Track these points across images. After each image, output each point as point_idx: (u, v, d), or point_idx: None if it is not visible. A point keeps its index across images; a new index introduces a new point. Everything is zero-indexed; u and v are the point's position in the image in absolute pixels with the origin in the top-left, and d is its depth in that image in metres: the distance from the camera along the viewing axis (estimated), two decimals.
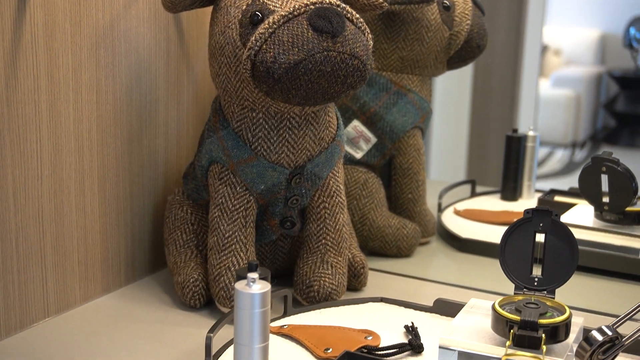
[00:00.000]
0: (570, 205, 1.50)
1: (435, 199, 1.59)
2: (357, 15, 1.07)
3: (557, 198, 1.59)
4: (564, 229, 1.00)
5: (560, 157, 5.71)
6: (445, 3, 1.39)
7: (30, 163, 1.07)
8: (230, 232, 1.15)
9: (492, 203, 1.66)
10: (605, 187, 1.36)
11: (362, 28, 1.07)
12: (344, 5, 1.06)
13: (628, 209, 1.37)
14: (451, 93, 3.15)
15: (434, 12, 1.37)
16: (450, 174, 3.20)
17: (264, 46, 1.02)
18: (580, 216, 1.42)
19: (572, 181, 4.92)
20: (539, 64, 3.56)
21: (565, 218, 1.42)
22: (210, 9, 1.21)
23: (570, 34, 6.38)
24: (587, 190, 1.38)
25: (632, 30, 6.08)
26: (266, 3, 1.07)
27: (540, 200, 1.56)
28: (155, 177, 1.30)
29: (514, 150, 1.64)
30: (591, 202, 1.39)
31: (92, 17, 1.13)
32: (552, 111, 5.77)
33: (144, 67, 1.24)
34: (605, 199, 1.37)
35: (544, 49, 6.06)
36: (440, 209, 1.57)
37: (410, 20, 1.37)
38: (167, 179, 1.32)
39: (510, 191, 1.66)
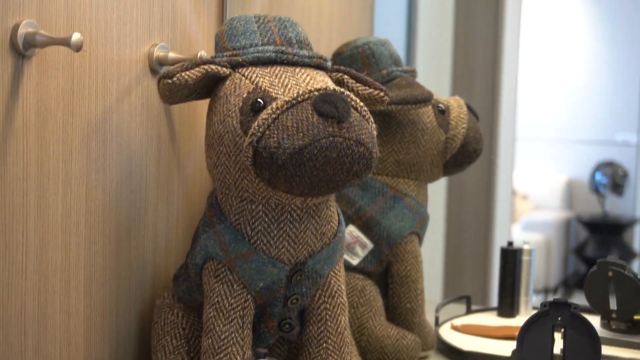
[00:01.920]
0: None
1: (428, 315, 1.55)
2: (362, 104, 1.06)
3: None
4: (585, 323, 0.96)
5: (533, 303, 5.68)
6: (441, 107, 1.40)
7: (14, 256, 1.02)
8: (227, 334, 1.10)
9: (490, 319, 1.62)
10: (612, 293, 1.33)
11: (367, 117, 1.06)
12: (348, 92, 1.05)
13: (637, 317, 1.34)
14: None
15: (430, 115, 1.38)
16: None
17: (267, 132, 1.00)
18: None
19: None
20: (511, 208, 3.61)
21: None
22: (203, 105, 1.20)
23: (538, 179, 6.50)
24: (593, 297, 1.35)
25: (598, 176, 6.22)
26: (268, 90, 1.06)
27: (542, 306, 1.52)
28: (142, 281, 1.25)
29: (510, 264, 1.61)
30: (597, 309, 1.36)
31: (85, 108, 1.11)
32: None
33: (135, 163, 1.22)
34: (613, 307, 1.34)
35: (512, 193, 6.15)
36: (438, 323, 1.52)
37: (406, 122, 1.37)
38: (155, 284, 1.27)
39: (507, 307, 1.63)
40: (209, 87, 1.13)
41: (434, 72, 3.08)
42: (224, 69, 1.10)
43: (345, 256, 1.37)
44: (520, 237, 5.74)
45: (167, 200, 1.29)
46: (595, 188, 6.27)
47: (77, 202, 1.11)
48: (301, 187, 1.01)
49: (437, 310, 1.54)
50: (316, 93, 1.02)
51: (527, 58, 5.85)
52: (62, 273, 1.09)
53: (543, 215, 6.29)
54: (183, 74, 1.07)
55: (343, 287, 1.18)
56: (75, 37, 1.00)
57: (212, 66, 1.09)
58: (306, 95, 1.02)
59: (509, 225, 3.55)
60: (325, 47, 1.70)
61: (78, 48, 1.01)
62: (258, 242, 1.09)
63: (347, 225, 1.37)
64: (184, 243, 1.33)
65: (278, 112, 1.01)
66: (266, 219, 1.09)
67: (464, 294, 1.68)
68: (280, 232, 1.09)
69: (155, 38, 1.24)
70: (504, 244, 1.67)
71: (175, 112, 1.29)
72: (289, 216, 1.09)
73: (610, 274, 1.32)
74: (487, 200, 3.38)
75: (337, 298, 1.17)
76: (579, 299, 6.00)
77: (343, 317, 1.17)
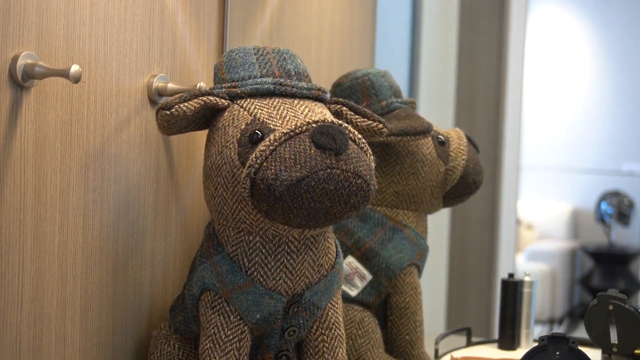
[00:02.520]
0: None
1: (427, 347, 1.55)
2: (359, 136, 1.07)
3: None
4: (583, 358, 0.96)
5: (537, 334, 5.65)
6: (440, 138, 1.41)
7: (10, 287, 1.03)
8: None
9: (490, 352, 1.62)
10: (613, 327, 1.33)
11: (365, 149, 1.07)
12: (346, 125, 1.06)
13: (638, 351, 1.33)
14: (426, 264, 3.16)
15: (429, 147, 1.39)
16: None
17: (265, 163, 1.01)
18: None
19: None
20: (515, 238, 3.61)
21: None
22: (202, 136, 1.22)
23: (543, 208, 6.49)
24: (594, 331, 1.35)
25: (604, 205, 6.21)
26: (266, 122, 1.07)
27: (540, 340, 1.52)
28: (139, 312, 1.25)
29: (511, 296, 1.62)
30: (598, 344, 1.36)
31: (83, 139, 1.12)
32: None
33: (133, 194, 1.23)
34: (614, 340, 1.34)
35: (517, 222, 6.15)
36: (438, 356, 1.52)
37: (405, 154, 1.38)
38: (151, 315, 1.28)
39: (508, 339, 1.62)
40: (208, 118, 1.14)
41: (437, 100, 3.10)
42: (222, 100, 1.12)
43: (344, 287, 1.37)
44: (525, 267, 5.74)
45: (164, 231, 1.30)
46: (600, 218, 6.27)
47: (74, 233, 1.12)
48: (298, 219, 1.02)
49: (436, 342, 1.53)
50: (314, 125, 1.03)
51: (532, 86, 5.88)
52: (58, 304, 1.10)
53: (548, 245, 6.28)
54: (181, 106, 1.09)
55: (341, 319, 1.19)
56: (74, 69, 1.01)
57: (211, 97, 1.11)
58: (304, 127, 1.03)
59: (513, 256, 3.56)
60: (325, 77, 1.72)
61: (77, 80, 1.02)
62: (255, 273, 1.10)
63: (346, 256, 1.38)
64: (182, 273, 1.33)
65: (276, 143, 1.02)
66: (263, 251, 1.09)
67: (465, 326, 1.68)
68: (277, 264, 1.10)
69: (154, 69, 1.25)
70: (509, 272, 1.67)
71: (174, 142, 1.30)
72: (286, 247, 1.10)
73: (610, 307, 1.33)
74: (491, 230, 3.39)
75: (335, 330, 1.17)
76: (584, 329, 5.97)
77: (341, 350, 1.17)
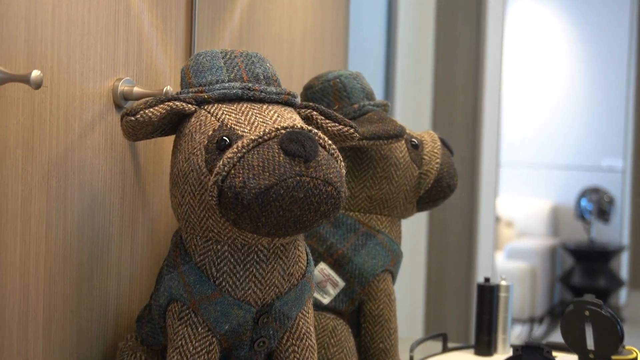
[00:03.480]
0: None
1: (403, 355, 1.55)
2: (330, 142, 1.07)
3: None
4: None
5: (518, 333, 5.69)
6: (414, 141, 1.41)
7: None
8: None
9: (466, 358, 1.62)
10: (589, 333, 1.34)
11: (335, 155, 1.07)
12: (315, 130, 1.06)
13: (614, 357, 1.34)
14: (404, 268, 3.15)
15: (403, 150, 1.39)
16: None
17: (233, 171, 1.01)
18: None
19: None
20: (494, 236, 3.62)
21: None
22: (169, 140, 1.21)
23: (522, 205, 6.52)
24: (570, 337, 1.36)
25: (584, 202, 6.25)
26: (234, 128, 1.07)
27: (514, 350, 1.53)
28: (104, 322, 1.24)
29: (487, 300, 1.62)
30: (575, 350, 1.36)
31: (46, 145, 1.11)
32: None
33: (98, 201, 1.22)
34: (590, 346, 1.35)
35: (496, 220, 6.17)
36: None
37: (378, 158, 1.38)
38: (118, 324, 1.27)
39: (485, 345, 1.63)
40: (174, 123, 1.14)
41: (414, 96, 3.10)
42: (189, 105, 1.11)
43: (316, 295, 1.37)
44: (504, 265, 5.76)
45: (131, 239, 1.29)
46: (580, 214, 6.31)
47: (37, 243, 1.11)
48: (267, 228, 1.02)
49: (411, 350, 1.54)
50: (283, 131, 1.03)
51: (510, 82, 5.90)
52: (20, 316, 1.09)
53: (528, 242, 6.31)
54: (147, 111, 1.08)
55: (312, 328, 1.18)
56: (35, 74, 1.00)
57: (177, 103, 1.10)
58: (273, 134, 1.03)
59: (492, 254, 3.56)
60: (297, 79, 1.71)
61: (38, 85, 1.01)
62: (223, 283, 1.09)
63: (318, 262, 1.38)
64: (149, 282, 1.32)
65: (244, 150, 1.01)
66: (232, 260, 1.09)
67: (442, 331, 1.68)
68: (246, 273, 1.09)
69: (120, 72, 1.24)
70: (485, 276, 1.68)
71: (140, 147, 1.29)
72: (255, 257, 1.09)
73: (587, 313, 1.33)
74: (469, 228, 3.39)
75: (306, 340, 1.17)
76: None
77: None
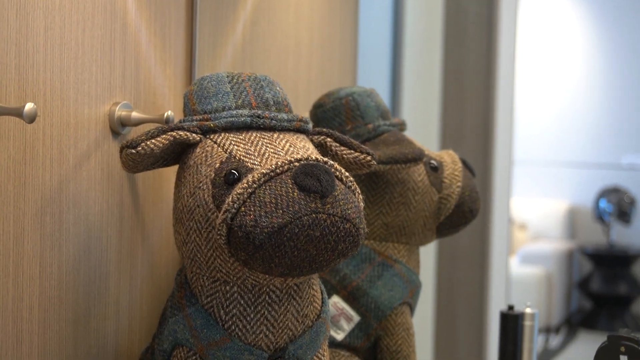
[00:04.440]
0: None
1: None
2: (347, 174, 1.06)
3: None
4: None
5: None
6: (433, 163, 1.40)
7: None
8: None
9: None
10: None
11: (353, 188, 1.06)
12: (331, 162, 1.05)
13: None
14: None
15: (421, 174, 1.38)
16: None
17: (243, 208, 1.00)
18: None
19: None
20: (508, 240, 3.61)
21: None
22: (173, 168, 1.20)
23: (537, 206, 6.52)
24: None
25: (603, 203, 6.25)
26: (243, 160, 1.06)
27: None
28: None
29: (511, 330, 1.61)
30: None
31: (39, 179, 1.10)
32: (521, 291, 5.81)
33: (94, 236, 1.21)
34: None
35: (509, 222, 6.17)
36: None
37: (395, 182, 1.37)
38: None
39: None
40: (177, 153, 1.13)
41: (421, 92, 3.08)
42: (193, 135, 1.10)
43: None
44: (518, 271, 5.77)
45: (130, 274, 1.28)
46: (599, 216, 6.31)
47: (30, 284, 1.10)
48: (281, 268, 1.01)
49: None
50: (297, 164, 1.02)
51: (525, 76, 5.90)
52: None
53: (543, 246, 6.31)
54: (148, 143, 1.07)
55: None
56: (28, 107, 0.99)
57: (181, 132, 1.09)
58: (285, 167, 1.02)
59: (506, 260, 3.55)
60: (304, 94, 1.70)
61: (31, 119, 1.00)
62: (233, 327, 1.08)
63: (330, 295, 1.37)
64: (149, 320, 1.32)
65: (255, 185, 1.00)
66: (242, 302, 1.08)
67: (454, 355, 1.68)
68: (257, 316, 1.08)
69: (116, 96, 1.23)
70: (509, 304, 1.67)
71: (139, 175, 1.28)
72: (267, 298, 1.08)
73: (622, 349, 1.33)
74: (482, 231, 3.38)
75: None
76: (584, 338, 6.02)
77: None
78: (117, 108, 1.22)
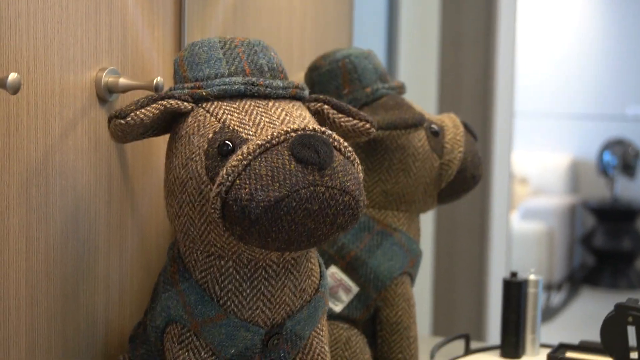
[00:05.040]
0: None
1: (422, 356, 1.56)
2: (345, 144, 1.06)
3: (569, 354, 1.57)
4: None
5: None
6: (434, 128, 1.40)
7: None
8: None
9: None
10: (632, 340, 1.34)
11: (352, 158, 1.06)
12: (329, 132, 1.05)
13: None
14: None
15: (422, 139, 1.38)
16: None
17: (238, 181, 0.99)
18: None
19: (550, 330, 4.92)
20: (509, 195, 3.61)
21: None
22: (164, 137, 1.19)
23: (538, 159, 6.53)
24: (611, 344, 1.36)
25: (607, 155, 6.26)
26: (237, 130, 1.05)
27: (549, 358, 1.53)
28: (93, 342, 1.24)
29: (514, 298, 1.62)
30: (616, 358, 1.37)
31: (24, 150, 1.10)
32: (522, 248, 5.84)
33: (82, 207, 1.21)
34: (634, 355, 1.35)
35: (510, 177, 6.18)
36: None
37: (394, 148, 1.37)
38: (107, 343, 1.27)
39: (512, 346, 1.63)
40: (168, 122, 1.12)
41: (420, 35, 3.05)
42: (185, 103, 1.09)
43: None
44: (519, 226, 5.78)
45: (119, 247, 1.28)
46: (603, 169, 6.33)
47: (17, 259, 1.10)
48: (278, 243, 1.01)
49: (432, 356, 1.54)
50: (293, 134, 1.01)
51: (526, 24, 5.86)
52: (0, 344, 1.08)
53: (545, 201, 6.34)
54: (138, 113, 1.06)
55: (327, 347, 1.18)
56: (12, 77, 0.99)
57: (172, 101, 1.08)
58: (282, 137, 1.01)
59: (507, 215, 3.56)
60: (298, 54, 1.69)
61: (15, 90, 0.99)
62: (228, 303, 1.09)
63: (329, 266, 1.37)
64: (140, 294, 1.32)
65: (250, 157, 1.00)
66: (237, 277, 1.08)
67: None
68: (253, 292, 1.09)
69: (103, 61, 1.22)
70: (512, 271, 1.67)
71: (127, 143, 1.28)
72: (263, 272, 1.08)
73: (630, 319, 1.34)
74: (482, 186, 3.38)
75: None
76: (586, 295, 6.05)
77: None
78: (104, 74, 1.22)
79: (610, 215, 6.21)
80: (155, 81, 1.22)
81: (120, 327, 1.29)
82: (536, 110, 6.50)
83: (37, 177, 1.13)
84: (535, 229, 5.96)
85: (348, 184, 1.01)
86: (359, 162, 1.07)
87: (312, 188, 0.99)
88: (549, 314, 5.49)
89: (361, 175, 1.06)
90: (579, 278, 6.33)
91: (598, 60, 6.28)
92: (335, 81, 1.38)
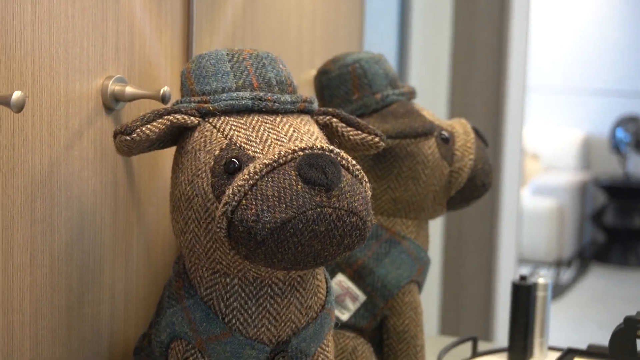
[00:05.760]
0: None
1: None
2: (354, 162, 1.05)
3: None
4: None
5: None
6: (444, 134, 1.38)
7: None
8: None
9: None
10: None
11: (360, 177, 1.05)
12: (337, 150, 1.03)
13: None
14: None
15: (432, 146, 1.36)
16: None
17: (244, 201, 0.98)
18: None
19: (559, 308, 4.92)
20: (520, 170, 3.59)
21: None
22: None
23: (550, 135, 6.50)
24: (620, 357, 1.36)
25: (620, 132, 6.23)
26: (244, 148, 1.04)
27: None
28: (98, 353, 1.24)
29: (523, 302, 1.61)
30: None
31: (28, 163, 1.09)
32: (533, 224, 5.84)
33: (88, 218, 1.20)
34: None
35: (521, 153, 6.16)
36: None
37: (403, 155, 1.35)
38: (112, 353, 1.26)
39: (520, 350, 1.63)
40: (175, 134, 1.11)
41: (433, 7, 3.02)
42: (192, 118, 1.08)
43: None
44: (530, 203, 5.76)
45: (125, 256, 1.27)
46: (615, 146, 6.30)
47: (21, 274, 1.09)
48: (284, 263, 1.00)
49: (439, 359, 1.54)
50: (301, 153, 1.00)
51: None
52: (4, 358, 1.08)
53: (556, 177, 6.32)
54: (144, 129, 1.05)
55: None
56: (16, 95, 0.98)
57: (178, 116, 1.07)
58: (289, 157, 1.00)
59: (518, 191, 3.54)
60: (307, 56, 1.67)
61: (19, 108, 0.98)
62: (234, 321, 1.08)
63: (335, 274, 1.37)
64: (146, 303, 1.32)
65: (256, 177, 0.99)
66: (243, 295, 1.08)
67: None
68: (259, 309, 1.08)
69: (109, 69, 1.21)
70: (521, 274, 1.66)
71: None
72: (269, 290, 1.08)
73: (639, 332, 1.33)
74: (493, 161, 3.35)
75: None
76: (596, 272, 6.05)
77: None
78: (111, 82, 1.20)
79: (622, 193, 6.19)
80: (162, 91, 1.20)
81: (125, 336, 1.29)
82: (549, 86, 6.46)
83: (42, 189, 1.12)
84: (546, 206, 5.95)
85: (356, 204, 1.00)
86: (367, 180, 1.06)
87: (319, 209, 0.98)
88: (559, 290, 5.49)
89: (369, 193, 1.05)
90: (588, 255, 6.33)
91: (612, 36, 6.24)
92: (345, 86, 1.37)
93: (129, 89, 1.21)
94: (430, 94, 3.10)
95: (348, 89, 1.37)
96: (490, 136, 3.30)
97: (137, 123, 1.05)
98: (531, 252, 5.89)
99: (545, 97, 6.44)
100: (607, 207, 6.34)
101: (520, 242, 3.97)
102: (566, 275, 5.88)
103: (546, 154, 6.55)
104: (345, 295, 1.37)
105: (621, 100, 6.36)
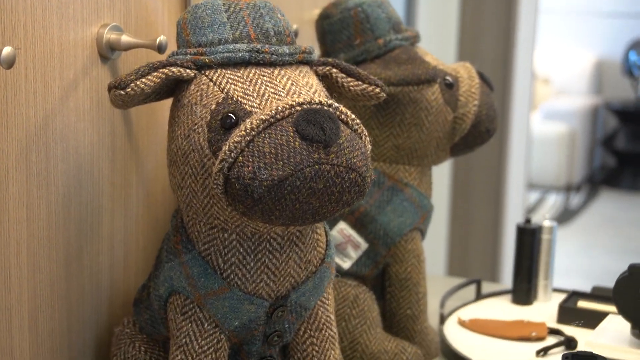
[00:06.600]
0: (599, 315, 1.47)
1: (431, 303, 1.55)
2: (353, 116, 1.03)
3: (581, 303, 1.56)
4: None
5: (553, 202, 5.74)
6: (448, 80, 1.36)
7: None
8: None
9: (503, 308, 1.62)
10: None
11: (359, 131, 1.03)
12: (336, 104, 1.01)
13: None
14: None
15: (435, 92, 1.34)
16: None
17: (241, 158, 0.97)
18: (614, 333, 1.39)
19: (568, 232, 4.91)
20: (530, 94, 3.55)
21: (595, 336, 1.38)
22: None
23: (561, 59, 6.44)
24: (624, 305, 1.35)
25: (633, 55, 6.16)
26: (241, 102, 1.02)
27: (561, 308, 1.53)
28: (98, 304, 1.24)
29: (527, 244, 1.60)
30: (628, 319, 1.36)
31: (22, 116, 1.07)
32: (543, 149, 5.82)
33: (85, 169, 1.19)
34: None
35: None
36: (443, 321, 1.52)
37: (406, 102, 1.33)
38: (112, 304, 1.26)
39: (524, 293, 1.63)
40: (171, 87, 1.09)
41: None
42: (187, 70, 1.06)
43: (336, 258, 1.35)
44: (541, 127, 5.73)
45: (124, 206, 1.26)
46: (628, 70, 6.23)
47: (17, 228, 1.09)
48: (281, 220, 0.99)
49: (441, 305, 1.54)
50: (298, 109, 0.98)
51: None
52: (2, 313, 1.08)
53: (567, 101, 6.27)
54: (138, 83, 1.03)
55: (332, 316, 1.18)
56: (6, 52, 0.96)
57: (173, 69, 1.05)
58: (286, 112, 0.98)
59: (527, 116, 3.51)
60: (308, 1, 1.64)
61: (10, 65, 0.96)
62: (232, 276, 1.07)
63: (337, 222, 1.36)
64: (145, 253, 1.31)
65: (253, 133, 0.97)
66: (241, 250, 1.07)
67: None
68: (257, 264, 1.07)
69: (104, 17, 1.18)
70: (526, 217, 1.65)
71: None
72: (267, 245, 1.07)
73: None
74: (502, 86, 3.33)
75: (326, 331, 1.16)
76: (606, 197, 6.04)
77: (332, 352, 1.17)
78: (106, 30, 1.18)
79: (633, 117, 6.16)
80: (158, 40, 1.18)
81: (125, 286, 1.28)
82: (561, 7, 6.37)
83: (37, 142, 1.10)
84: (557, 130, 5.92)
85: (354, 160, 0.99)
86: (367, 134, 1.04)
87: (317, 166, 0.96)
88: (568, 215, 5.50)
89: (369, 147, 1.04)
90: (598, 179, 6.32)
91: None
92: (347, 31, 1.34)
93: (125, 38, 1.18)
94: (441, 14, 3.06)
95: (350, 34, 1.34)
96: (500, 60, 3.26)
97: (132, 77, 1.03)
98: (541, 177, 5.89)
99: (557, 18, 6.36)
100: (618, 132, 6.30)
101: (529, 167, 3.95)
102: (576, 199, 5.88)
103: (557, 78, 6.49)
104: (347, 243, 1.36)
105: (635, 22, 6.28)
